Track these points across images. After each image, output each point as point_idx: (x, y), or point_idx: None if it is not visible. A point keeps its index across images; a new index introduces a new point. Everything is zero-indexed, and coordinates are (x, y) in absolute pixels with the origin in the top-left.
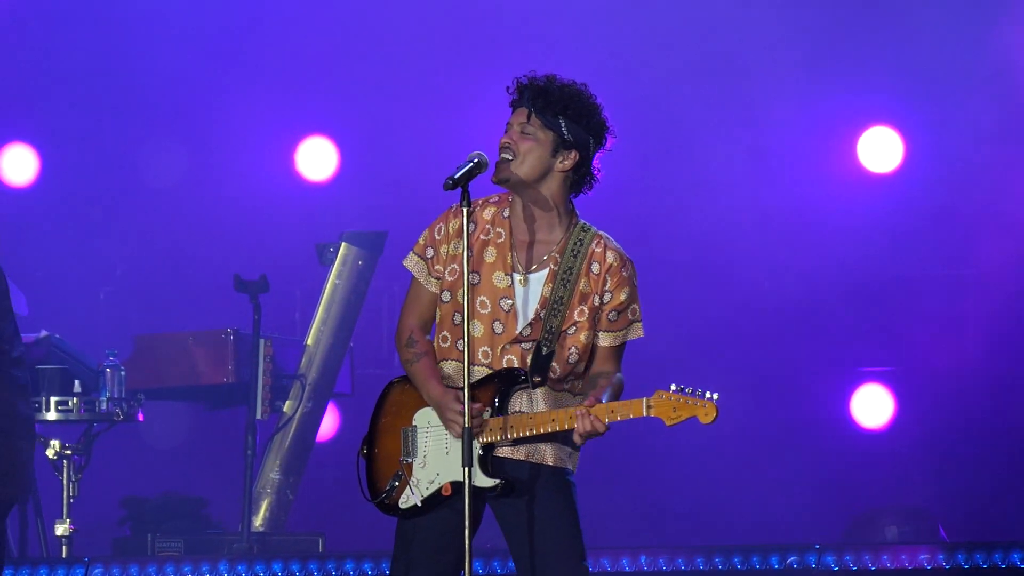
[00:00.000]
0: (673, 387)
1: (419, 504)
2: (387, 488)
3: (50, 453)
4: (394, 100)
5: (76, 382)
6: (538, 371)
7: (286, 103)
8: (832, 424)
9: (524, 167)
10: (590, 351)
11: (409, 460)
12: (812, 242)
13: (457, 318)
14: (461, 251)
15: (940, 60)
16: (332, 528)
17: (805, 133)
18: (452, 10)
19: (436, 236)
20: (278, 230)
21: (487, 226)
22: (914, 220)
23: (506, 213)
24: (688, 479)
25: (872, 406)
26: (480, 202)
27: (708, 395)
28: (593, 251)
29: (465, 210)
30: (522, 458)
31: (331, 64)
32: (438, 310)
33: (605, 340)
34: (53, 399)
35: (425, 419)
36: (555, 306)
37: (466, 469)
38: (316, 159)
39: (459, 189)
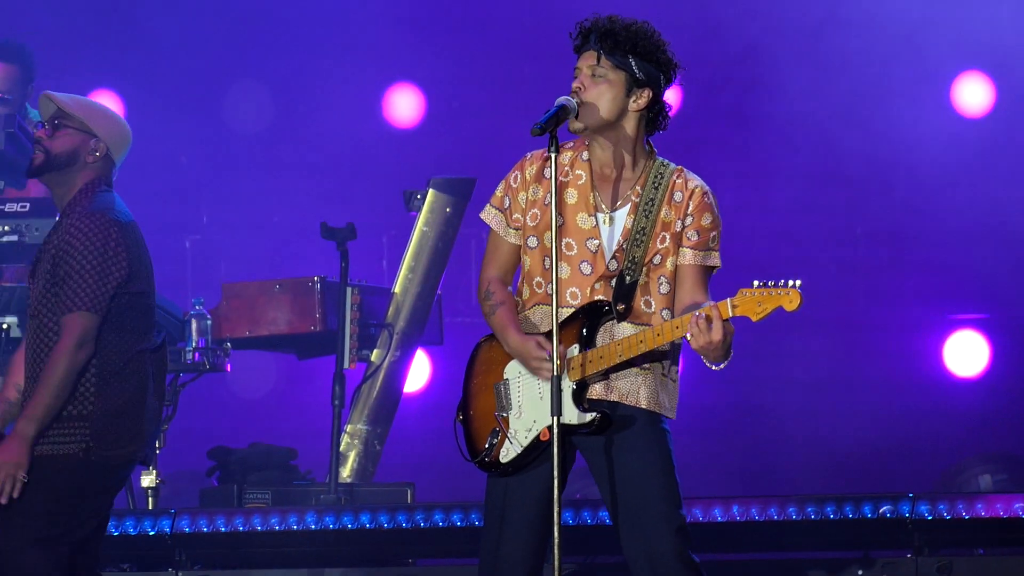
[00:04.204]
0: (756, 283)
1: (520, 453)
2: (487, 446)
3: None
4: (482, 45)
5: (162, 332)
6: (622, 299)
7: (374, 49)
8: (926, 372)
9: (601, 111)
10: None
11: (505, 414)
12: (905, 187)
13: (547, 262)
14: (541, 196)
15: None
16: (421, 479)
17: (895, 76)
18: None
19: (513, 184)
20: (365, 177)
21: (566, 168)
22: (1008, 164)
23: (584, 156)
24: (780, 429)
25: (967, 354)
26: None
27: (791, 283)
28: (675, 182)
29: (553, 155)
30: (616, 399)
31: (418, 9)
32: (527, 257)
33: (685, 257)
34: None
35: (515, 370)
36: (637, 236)
37: (555, 418)
38: (404, 105)
39: (547, 135)
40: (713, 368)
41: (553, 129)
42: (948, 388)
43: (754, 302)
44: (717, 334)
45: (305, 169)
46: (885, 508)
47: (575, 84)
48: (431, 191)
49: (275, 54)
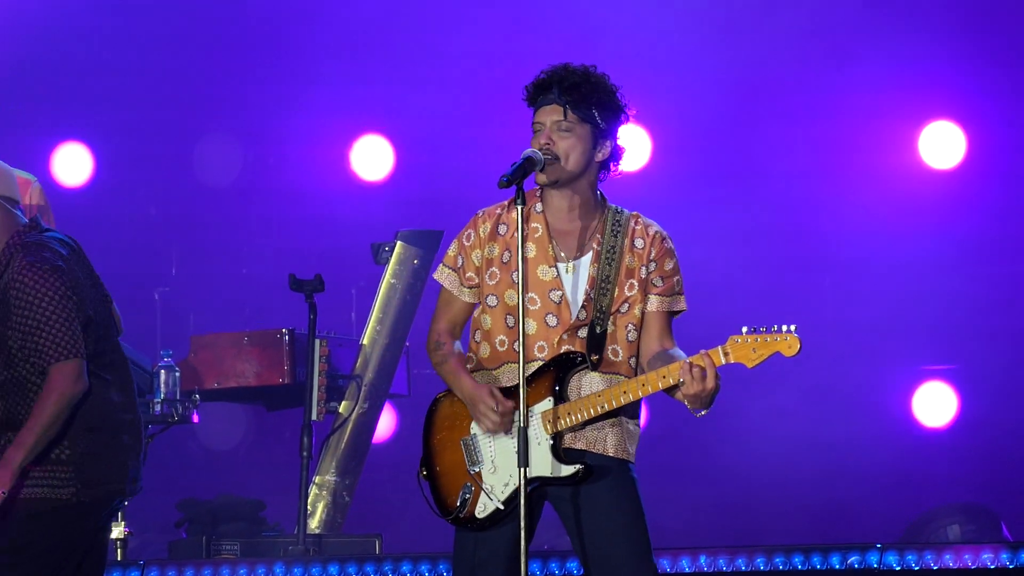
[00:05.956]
0: (745, 329)
1: (500, 508)
2: (459, 502)
3: None
4: (450, 98)
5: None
6: (594, 350)
7: (342, 101)
8: (895, 422)
9: (570, 165)
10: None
11: (477, 469)
12: (873, 239)
13: (511, 320)
14: (497, 254)
15: (1005, 51)
16: (389, 530)
17: (866, 127)
18: (506, 8)
19: (466, 243)
20: (333, 229)
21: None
22: (976, 216)
23: (538, 208)
24: (747, 477)
25: (935, 404)
26: (506, 204)
27: (787, 328)
28: (633, 228)
29: (520, 208)
30: (582, 447)
31: (386, 62)
32: (487, 316)
33: (652, 304)
34: None
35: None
36: (603, 284)
37: (522, 470)
38: (371, 158)
39: (513, 187)
40: (697, 415)
41: (520, 181)
42: (917, 438)
43: (748, 348)
44: (711, 382)
45: (274, 221)
46: (853, 558)
47: (542, 141)
48: (399, 244)
49: (244, 107)
